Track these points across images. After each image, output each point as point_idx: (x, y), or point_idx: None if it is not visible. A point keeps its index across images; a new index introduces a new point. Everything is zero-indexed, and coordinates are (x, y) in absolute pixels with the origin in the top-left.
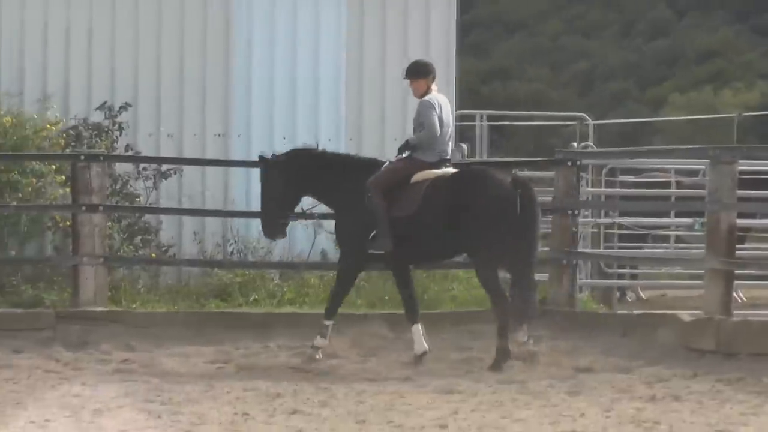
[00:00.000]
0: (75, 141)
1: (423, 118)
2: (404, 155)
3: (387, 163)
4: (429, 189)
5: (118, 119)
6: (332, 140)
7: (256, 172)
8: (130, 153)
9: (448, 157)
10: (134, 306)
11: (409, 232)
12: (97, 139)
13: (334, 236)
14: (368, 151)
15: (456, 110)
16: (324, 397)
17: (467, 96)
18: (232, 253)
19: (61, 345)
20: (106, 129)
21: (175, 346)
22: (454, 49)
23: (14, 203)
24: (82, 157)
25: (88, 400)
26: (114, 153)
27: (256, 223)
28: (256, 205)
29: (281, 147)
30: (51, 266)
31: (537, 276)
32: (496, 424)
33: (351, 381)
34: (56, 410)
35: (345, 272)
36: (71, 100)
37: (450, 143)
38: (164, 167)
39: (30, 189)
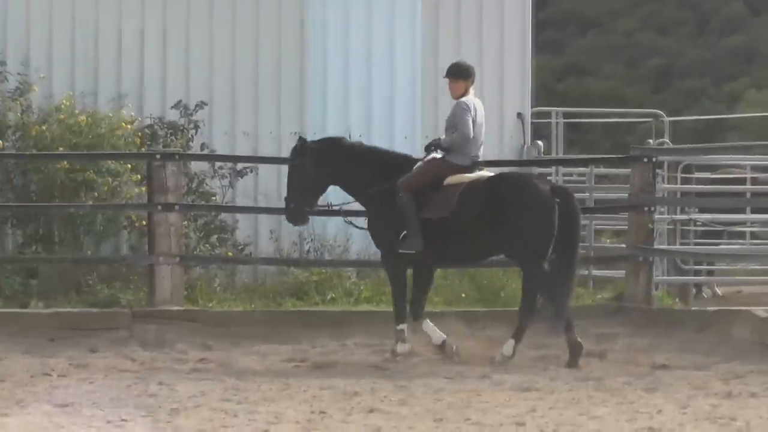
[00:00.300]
0: (150, 140)
1: (457, 120)
2: (433, 155)
3: (420, 161)
4: (465, 193)
5: (194, 118)
6: (408, 138)
7: None
8: (205, 152)
9: (480, 160)
10: (210, 305)
11: (441, 234)
12: (173, 137)
13: (370, 235)
14: None
15: (531, 107)
16: (402, 396)
17: (543, 93)
18: (308, 251)
19: (137, 344)
20: (181, 127)
21: (251, 344)
22: (530, 46)
23: (90, 203)
24: (158, 156)
25: (164, 399)
26: (189, 152)
27: (334, 222)
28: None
29: None
30: (127, 266)
31: (613, 273)
32: (573, 421)
33: (428, 379)
34: (132, 410)
35: (393, 272)
36: (146, 99)
37: (482, 147)
38: (240, 166)
39: (106, 188)
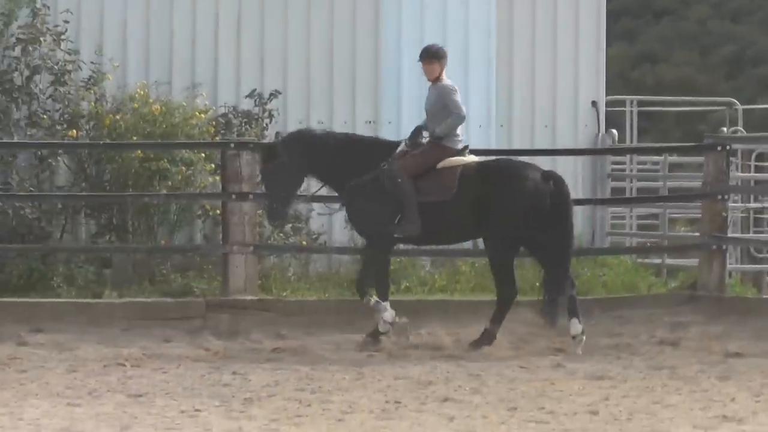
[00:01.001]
0: (224, 129)
1: (449, 103)
2: (422, 141)
3: (402, 145)
4: (462, 176)
5: (268, 107)
6: (483, 127)
7: None
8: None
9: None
10: (284, 294)
11: (437, 217)
12: (247, 126)
13: (351, 222)
14: (519, 139)
15: (605, 96)
16: (475, 385)
17: (617, 82)
18: None
19: (211, 334)
20: (255, 116)
21: (325, 334)
22: (604, 34)
23: (164, 192)
24: (232, 145)
25: (238, 389)
26: (264, 141)
27: None
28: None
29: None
30: (200, 255)
31: (686, 261)
32: (647, 409)
33: (502, 368)
34: (206, 399)
35: (379, 256)
36: (220, 88)
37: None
38: None
39: (180, 177)
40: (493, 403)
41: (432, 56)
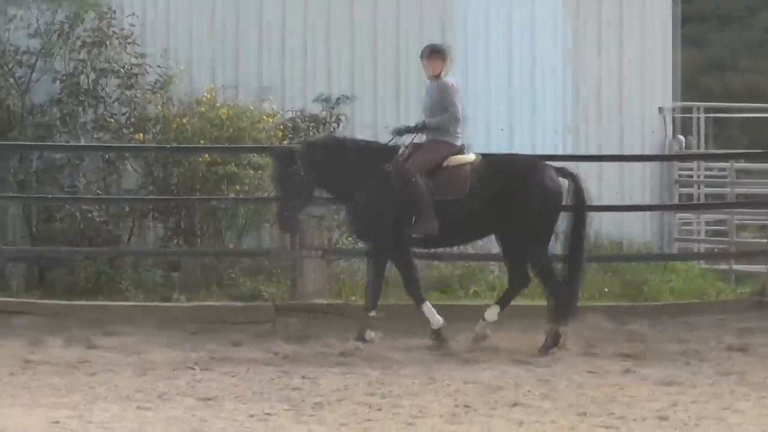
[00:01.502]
0: (292, 133)
1: (447, 101)
2: (435, 138)
3: (402, 148)
4: (473, 174)
5: (336, 111)
6: (552, 132)
7: None
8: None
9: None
10: (354, 298)
11: (449, 217)
12: (315, 130)
13: (360, 229)
14: (590, 142)
15: (676, 102)
16: (545, 390)
17: (685, 88)
18: None
19: (280, 338)
20: (323, 121)
21: (395, 338)
22: (670, 40)
23: (232, 196)
24: None
25: (308, 393)
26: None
27: None
28: None
29: (498, 140)
30: (269, 259)
31: (755, 267)
32: (716, 415)
33: (571, 373)
34: (276, 403)
35: (402, 258)
36: (288, 91)
37: None
38: None
39: (248, 181)
40: (563, 408)
41: (435, 53)
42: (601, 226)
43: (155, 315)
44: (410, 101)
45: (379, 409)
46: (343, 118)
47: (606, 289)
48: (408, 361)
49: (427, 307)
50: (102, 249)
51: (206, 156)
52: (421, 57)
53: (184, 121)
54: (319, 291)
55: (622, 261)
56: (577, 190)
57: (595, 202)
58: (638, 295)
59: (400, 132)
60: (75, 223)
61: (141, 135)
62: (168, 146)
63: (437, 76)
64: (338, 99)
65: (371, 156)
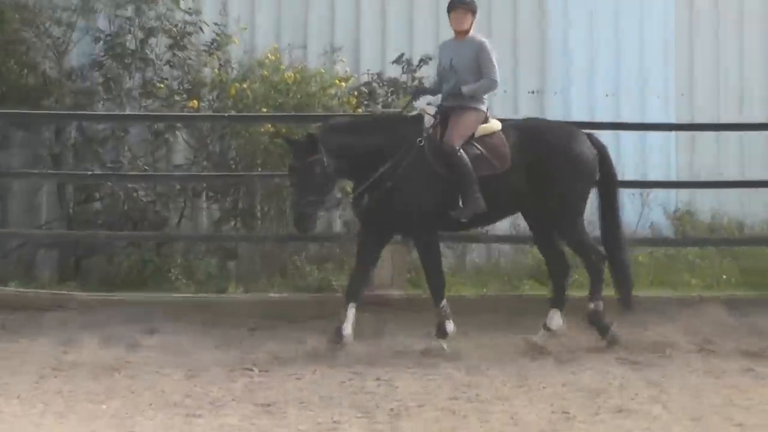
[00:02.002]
0: (368, 99)
1: (485, 63)
2: (472, 106)
3: (427, 116)
4: (511, 144)
5: (418, 74)
6: (661, 98)
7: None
8: (432, 113)
9: None
10: None
11: (489, 194)
12: (394, 96)
13: (393, 219)
14: (703, 108)
15: None
16: (654, 393)
17: None
18: None
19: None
20: (403, 85)
21: (483, 334)
22: None
23: None
24: None
25: (383, 398)
26: (413, 113)
27: None
28: None
29: (604, 105)
30: (340, 245)
31: None
32: None
33: (684, 374)
34: (346, 410)
35: (432, 247)
36: (363, 53)
37: None
38: None
39: None
40: (675, 414)
41: (466, 6)
42: (719, 204)
43: (208, 309)
44: (501, 65)
45: (465, 417)
46: (426, 82)
47: (724, 277)
48: (497, 361)
49: (446, 308)
50: (148, 233)
51: (269, 126)
52: (449, 10)
53: (244, 86)
54: (397, 281)
55: (742, 245)
56: (606, 162)
57: (713, 177)
58: (762, 284)
59: (419, 94)
60: (117, 203)
61: (195, 102)
62: (225, 115)
63: (466, 32)
64: (420, 61)
65: (397, 130)
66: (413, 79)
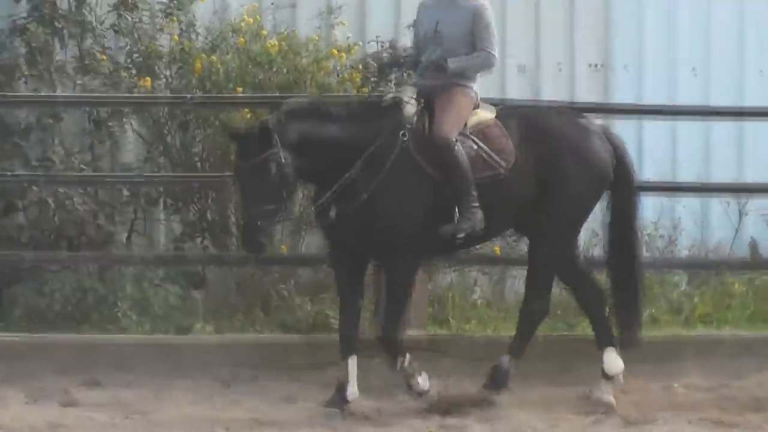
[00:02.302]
0: (376, 76)
1: (484, 35)
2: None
3: (409, 102)
4: (513, 137)
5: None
6: (764, 73)
7: (643, 126)
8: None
9: None
10: (467, 327)
11: (486, 203)
12: (409, 72)
13: (370, 238)
14: None
15: None
16: None
17: None
18: None
19: (365, 387)
20: None
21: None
22: None
23: None
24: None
25: None
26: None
27: (653, 201)
28: (650, 172)
29: (687, 83)
30: None
31: None
32: None
33: None
34: None
35: (410, 273)
36: (369, 14)
37: None
38: None
39: None
40: None
41: None
42: None
43: (170, 354)
44: (553, 33)
45: None
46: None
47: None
48: (545, 422)
49: (411, 363)
50: (88, 255)
51: (246, 111)
52: None
53: (214, 58)
54: (416, 318)
55: None
56: (623, 163)
57: None
58: None
59: (389, 65)
60: (47, 215)
61: (148, 80)
62: (189, 96)
63: None
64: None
65: (371, 121)
66: None
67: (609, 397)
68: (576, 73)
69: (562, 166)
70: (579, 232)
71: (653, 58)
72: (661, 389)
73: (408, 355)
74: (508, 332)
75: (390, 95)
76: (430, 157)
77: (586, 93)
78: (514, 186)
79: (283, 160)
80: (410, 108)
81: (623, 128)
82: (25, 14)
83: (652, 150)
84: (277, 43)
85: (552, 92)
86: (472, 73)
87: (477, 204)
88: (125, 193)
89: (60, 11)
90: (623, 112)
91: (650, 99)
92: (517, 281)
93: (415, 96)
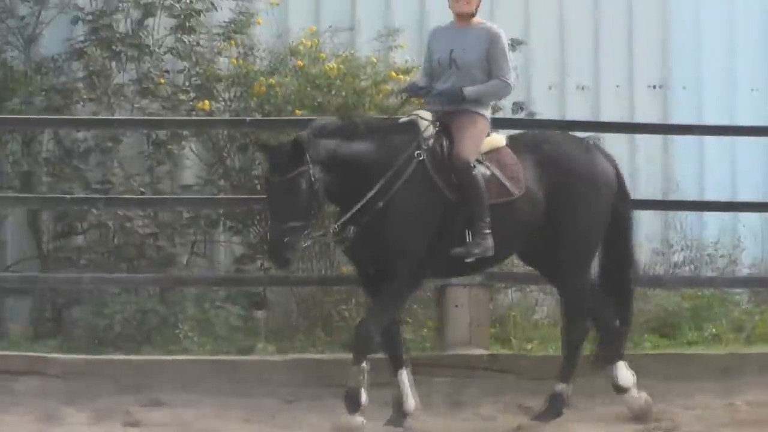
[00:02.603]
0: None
1: (500, 61)
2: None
3: (425, 124)
4: (524, 162)
5: None
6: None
7: (709, 143)
8: (521, 114)
9: None
10: (530, 347)
11: (499, 226)
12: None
13: (388, 245)
14: None
15: None
16: None
17: None
18: (676, 264)
19: (421, 406)
20: None
21: (595, 404)
22: None
23: None
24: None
25: None
26: (497, 115)
27: (716, 218)
28: (711, 193)
29: (747, 102)
30: None
31: None
32: None
33: None
34: None
35: (407, 289)
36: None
37: None
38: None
39: None
40: None
41: None
42: None
43: (230, 374)
44: (612, 53)
45: None
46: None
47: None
48: None
49: (363, 371)
50: (148, 276)
51: None
52: None
53: (272, 81)
54: (477, 336)
55: None
56: (619, 177)
57: None
58: None
59: (415, 91)
60: (107, 237)
61: (207, 103)
62: (248, 119)
63: (471, 16)
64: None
65: (389, 140)
66: None
67: (639, 398)
68: (635, 93)
69: (573, 191)
70: (595, 253)
71: (711, 77)
72: (723, 406)
73: (367, 367)
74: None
75: (406, 116)
76: (447, 177)
77: (644, 114)
78: (525, 212)
79: (314, 177)
80: (427, 129)
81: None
82: (82, 37)
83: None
84: (336, 65)
85: (611, 113)
86: (487, 101)
87: (489, 230)
88: (185, 214)
89: (118, 34)
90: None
91: (709, 119)
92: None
93: (430, 119)
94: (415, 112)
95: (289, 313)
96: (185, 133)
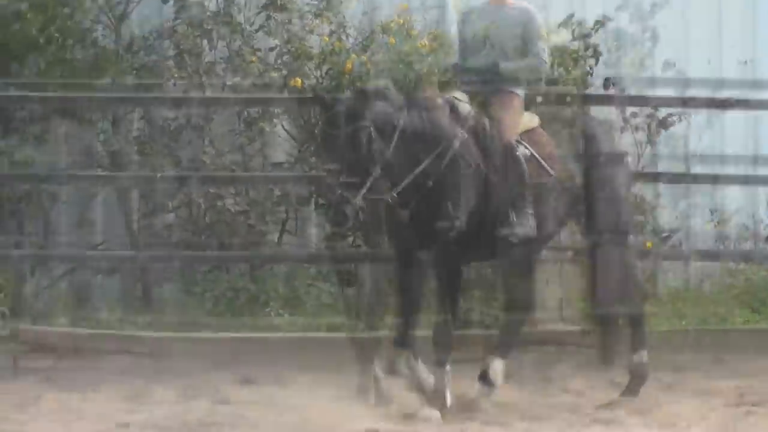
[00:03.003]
0: None
1: (534, 40)
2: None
3: (461, 103)
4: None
5: (592, 40)
6: None
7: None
8: (612, 91)
9: None
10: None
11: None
12: (561, 69)
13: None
14: None
15: None
16: None
17: None
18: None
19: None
20: (574, 54)
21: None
22: None
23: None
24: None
25: None
26: (588, 91)
27: None
28: None
29: None
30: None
31: None
32: None
33: None
34: None
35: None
36: None
37: None
38: (664, 112)
39: None
40: None
41: None
42: None
43: (320, 350)
44: (701, 28)
45: None
46: (602, 51)
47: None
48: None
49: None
50: (239, 254)
51: None
52: None
53: (364, 58)
54: (568, 312)
55: None
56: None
57: None
58: None
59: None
60: (198, 215)
61: (298, 80)
62: (333, 96)
63: None
64: (596, 23)
65: (433, 117)
66: (586, 47)
67: (642, 363)
68: (724, 69)
69: (607, 170)
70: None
71: None
72: None
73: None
74: (661, 326)
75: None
76: (491, 158)
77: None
78: (560, 192)
79: (373, 136)
80: (465, 108)
81: None
82: (173, 16)
83: None
84: (427, 42)
85: (702, 90)
86: (523, 78)
87: (532, 211)
88: (276, 192)
89: (208, 12)
90: None
91: None
92: (669, 275)
93: (466, 99)
94: (450, 94)
95: (381, 290)
96: (277, 110)
